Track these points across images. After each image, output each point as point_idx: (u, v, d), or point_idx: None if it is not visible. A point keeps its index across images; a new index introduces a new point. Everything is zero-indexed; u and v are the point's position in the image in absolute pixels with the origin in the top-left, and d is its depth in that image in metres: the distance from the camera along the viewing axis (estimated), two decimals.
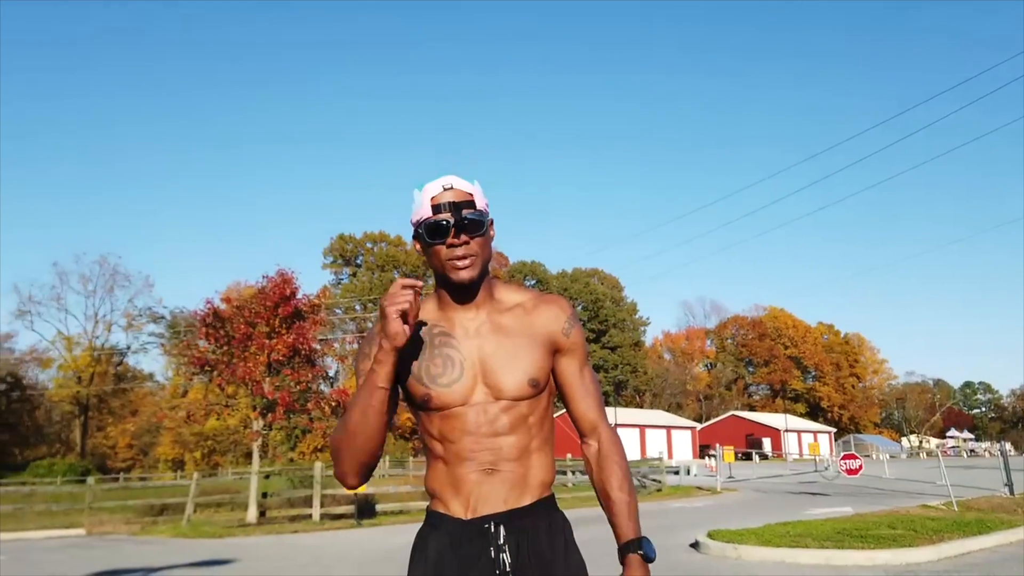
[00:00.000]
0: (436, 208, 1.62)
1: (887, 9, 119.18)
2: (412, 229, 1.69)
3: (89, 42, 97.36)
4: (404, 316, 1.52)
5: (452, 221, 1.61)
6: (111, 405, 59.95)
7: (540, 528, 1.63)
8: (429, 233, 1.63)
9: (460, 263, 1.62)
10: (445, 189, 1.64)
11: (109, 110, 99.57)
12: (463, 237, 1.61)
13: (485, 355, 1.66)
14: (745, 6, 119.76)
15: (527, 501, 1.64)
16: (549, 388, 1.72)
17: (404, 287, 1.52)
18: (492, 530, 1.60)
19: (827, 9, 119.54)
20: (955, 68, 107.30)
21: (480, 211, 1.65)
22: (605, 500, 1.70)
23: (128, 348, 62.33)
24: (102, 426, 59.57)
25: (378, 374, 1.55)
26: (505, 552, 1.59)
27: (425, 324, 1.70)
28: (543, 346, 1.70)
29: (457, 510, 1.64)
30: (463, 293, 1.68)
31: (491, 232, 1.71)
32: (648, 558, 1.62)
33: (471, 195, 1.65)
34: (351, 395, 1.71)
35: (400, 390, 1.70)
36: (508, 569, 1.58)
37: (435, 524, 1.67)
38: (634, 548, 1.62)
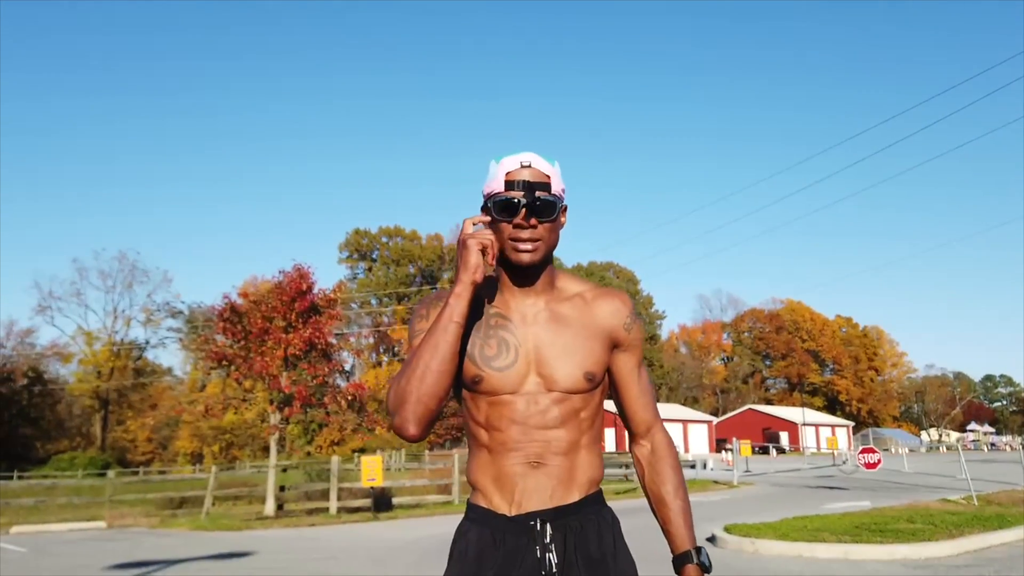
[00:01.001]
0: (509, 184, 1.54)
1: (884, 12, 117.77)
2: (481, 199, 1.63)
3: (104, 37, 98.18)
4: (484, 251, 1.50)
5: (524, 201, 1.53)
6: (130, 399, 60.61)
7: (588, 526, 1.56)
8: (498, 209, 1.55)
9: (523, 245, 1.55)
10: (523, 166, 1.56)
11: (128, 107, 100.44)
12: (532, 220, 1.54)
13: (541, 343, 1.59)
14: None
15: (575, 497, 1.57)
16: (603, 384, 1.66)
17: (476, 223, 1.51)
18: (538, 528, 1.53)
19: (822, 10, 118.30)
20: (976, 58, 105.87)
21: (555, 195, 1.56)
22: (659, 506, 1.64)
23: (147, 343, 63.02)
24: (122, 420, 60.24)
25: (453, 308, 1.49)
26: (551, 552, 1.51)
27: (484, 301, 1.64)
28: (601, 340, 1.63)
29: (500, 505, 1.56)
30: (522, 276, 1.61)
31: (562, 219, 1.63)
32: (706, 568, 1.57)
33: (548, 177, 1.57)
34: (413, 347, 1.61)
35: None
36: (554, 570, 1.51)
37: (476, 519, 1.59)
38: (692, 558, 1.56)
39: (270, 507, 16.82)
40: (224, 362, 17.99)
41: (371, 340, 72.05)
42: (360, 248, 77.30)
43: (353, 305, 68.59)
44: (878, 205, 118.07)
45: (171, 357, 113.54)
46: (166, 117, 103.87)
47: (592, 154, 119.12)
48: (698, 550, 1.57)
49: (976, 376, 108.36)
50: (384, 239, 76.97)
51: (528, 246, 1.55)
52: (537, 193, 1.53)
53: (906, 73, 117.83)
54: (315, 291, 18.40)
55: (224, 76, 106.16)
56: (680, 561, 1.58)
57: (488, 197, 1.59)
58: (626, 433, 1.74)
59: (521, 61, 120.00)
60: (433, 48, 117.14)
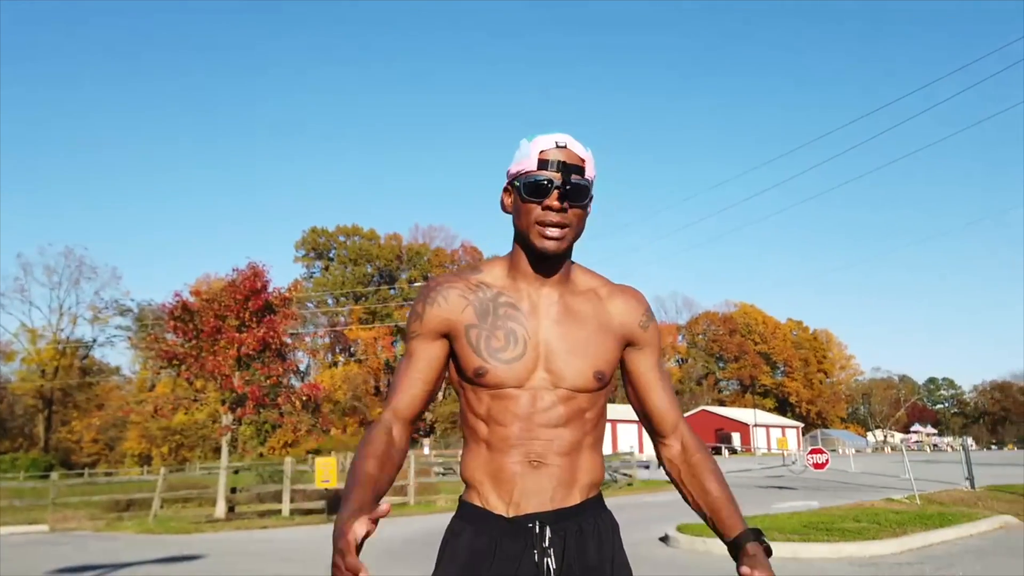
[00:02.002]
0: (543, 164, 1.46)
1: (852, 14, 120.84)
2: (506, 178, 1.54)
3: (50, 27, 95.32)
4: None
5: (558, 182, 1.45)
6: (76, 399, 58.95)
7: (588, 530, 1.50)
8: (528, 190, 1.46)
9: (550, 231, 1.46)
10: (558, 146, 1.47)
11: (77, 98, 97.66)
12: (564, 203, 1.46)
13: (552, 337, 1.51)
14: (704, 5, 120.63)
15: (575, 500, 1.50)
16: (609, 385, 1.59)
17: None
18: (537, 530, 1.45)
19: (789, 13, 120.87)
20: (923, 67, 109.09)
21: (588, 180, 1.49)
22: (704, 498, 1.55)
23: (94, 341, 61.40)
24: (66, 420, 58.54)
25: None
26: (550, 556, 1.44)
27: (490, 290, 1.56)
28: (615, 338, 1.57)
29: (497, 505, 1.49)
30: (542, 264, 1.53)
31: (589, 208, 1.55)
32: (770, 550, 1.46)
33: (583, 161, 1.49)
34: (409, 351, 1.57)
35: (449, 370, 1.58)
36: (552, 575, 1.44)
37: (470, 519, 1.51)
38: (755, 536, 1.46)
39: (221, 509, 16.53)
40: (175, 361, 17.64)
41: (327, 340, 71.29)
42: (317, 247, 76.39)
43: (309, 304, 67.78)
44: (829, 212, 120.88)
45: (119, 356, 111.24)
46: (116, 110, 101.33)
47: None
48: (758, 531, 1.48)
49: (920, 379, 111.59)
50: (341, 238, 76.20)
51: (556, 232, 1.47)
52: (572, 176, 1.46)
53: (852, 84, 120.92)
54: (270, 290, 18.16)
55: (179, 70, 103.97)
56: (742, 540, 1.46)
57: (516, 176, 1.50)
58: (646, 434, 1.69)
59: (478, 58, 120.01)
60: (391, 43, 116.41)
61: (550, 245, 1.47)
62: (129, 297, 67.75)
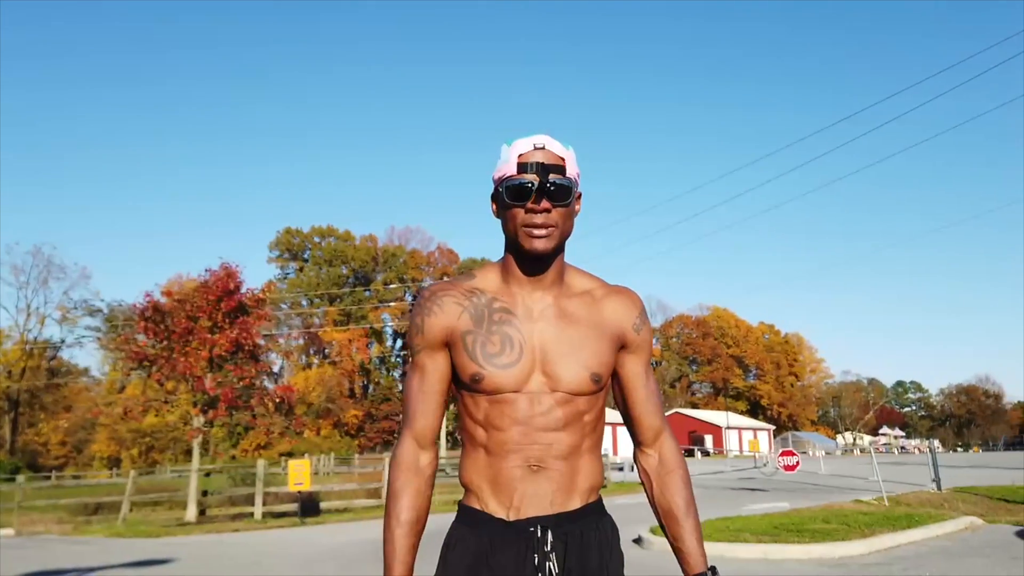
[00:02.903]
0: (522, 167, 1.46)
1: (825, 20, 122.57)
2: (492, 185, 1.55)
3: (17, 26, 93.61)
4: None
5: (537, 184, 1.45)
6: (43, 401, 57.81)
7: (589, 534, 1.50)
8: (510, 194, 1.47)
9: (537, 231, 1.46)
10: (536, 148, 1.48)
11: (45, 98, 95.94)
12: (545, 203, 1.46)
13: (547, 341, 1.51)
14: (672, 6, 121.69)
15: (575, 504, 1.50)
16: (606, 388, 1.58)
17: None
18: (539, 534, 1.45)
19: (769, 15, 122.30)
20: (888, 74, 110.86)
21: (569, 179, 1.48)
22: (670, 521, 1.55)
23: (62, 342, 60.24)
24: (33, 422, 57.42)
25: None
26: (552, 560, 1.44)
27: (485, 296, 1.55)
28: (610, 340, 1.56)
29: (497, 509, 1.49)
30: (533, 266, 1.52)
31: (577, 206, 1.55)
32: None
33: (563, 160, 1.49)
34: (414, 363, 1.59)
35: (452, 376, 1.57)
36: None
37: (471, 523, 1.51)
38: None
39: (192, 513, 16.34)
40: (145, 363, 17.44)
41: (301, 341, 70.72)
42: (291, 247, 75.73)
43: (283, 306, 67.17)
44: (800, 217, 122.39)
45: (88, 357, 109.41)
46: (86, 108, 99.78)
47: None
48: (713, 570, 1.49)
49: (888, 382, 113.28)
50: (316, 239, 75.63)
51: (541, 232, 1.46)
52: (551, 176, 1.46)
53: (822, 90, 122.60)
54: (243, 290, 18.02)
55: (150, 69, 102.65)
56: None
57: (499, 181, 1.51)
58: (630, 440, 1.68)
59: (448, 58, 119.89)
60: (366, 45, 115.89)
61: (538, 245, 1.47)
62: (99, 297, 66.68)
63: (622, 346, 1.59)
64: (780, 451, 19.62)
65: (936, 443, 20.55)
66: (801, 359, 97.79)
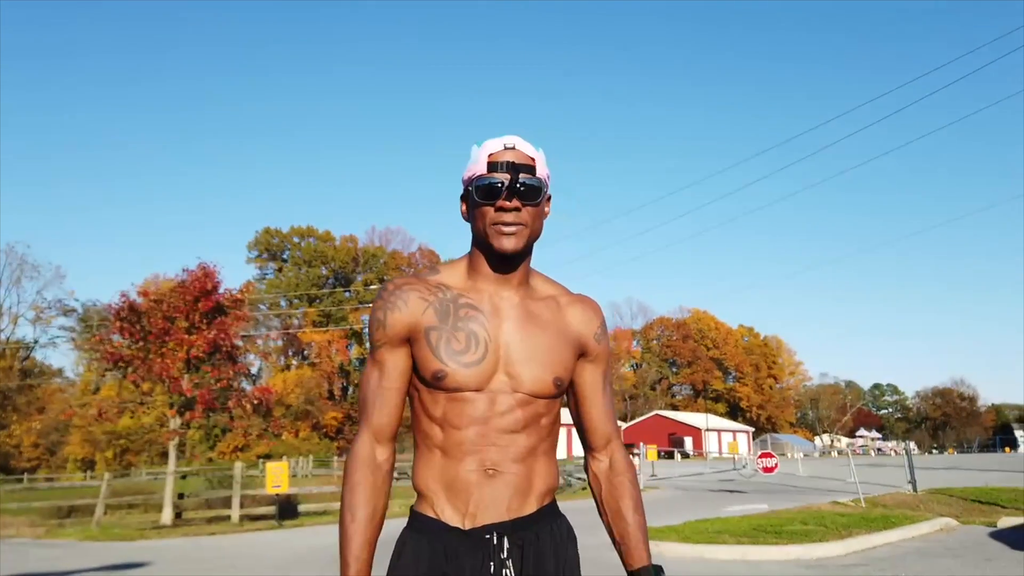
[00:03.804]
0: (492, 166, 1.47)
1: (809, 25, 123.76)
2: (462, 186, 1.55)
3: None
4: None
5: (507, 183, 1.46)
6: (16, 402, 56.89)
7: (545, 538, 1.50)
8: (481, 193, 1.48)
9: (506, 229, 1.47)
10: (506, 148, 1.49)
11: (22, 97, 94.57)
12: (515, 202, 1.46)
13: (512, 341, 1.51)
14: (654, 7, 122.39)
15: (531, 508, 1.50)
16: (564, 393, 1.60)
17: None
18: (495, 542, 1.44)
19: (755, 17, 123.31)
20: (877, 76, 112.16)
21: (539, 179, 1.50)
22: (616, 521, 1.58)
23: (36, 342, 59.42)
24: (5, 424, 56.45)
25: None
26: (508, 568, 1.44)
27: (450, 292, 1.54)
28: (572, 346, 1.57)
29: (452, 517, 1.47)
30: (501, 265, 1.53)
31: (547, 208, 1.57)
32: None
33: (532, 160, 1.50)
34: (373, 358, 1.55)
35: (414, 372, 1.54)
36: None
37: (424, 530, 1.48)
38: (655, 573, 1.52)
39: (167, 515, 16.13)
40: (121, 363, 17.20)
41: (280, 343, 70.17)
42: (270, 248, 75.11)
43: (262, 306, 66.62)
44: (780, 220, 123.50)
45: (62, 358, 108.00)
46: (60, 106, 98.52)
47: None
48: (658, 568, 1.51)
49: (865, 385, 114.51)
50: (296, 239, 75.03)
51: (511, 229, 1.47)
52: (521, 175, 1.47)
53: (807, 92, 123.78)
54: (221, 291, 17.82)
55: (127, 68, 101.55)
56: (641, 574, 1.53)
57: (469, 181, 1.52)
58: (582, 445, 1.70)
59: (428, 61, 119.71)
60: (348, 45, 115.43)
61: (508, 243, 1.47)
62: (73, 297, 65.98)
63: (582, 354, 1.60)
64: (759, 453, 19.74)
65: (912, 445, 20.80)
66: (780, 362, 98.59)
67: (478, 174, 1.49)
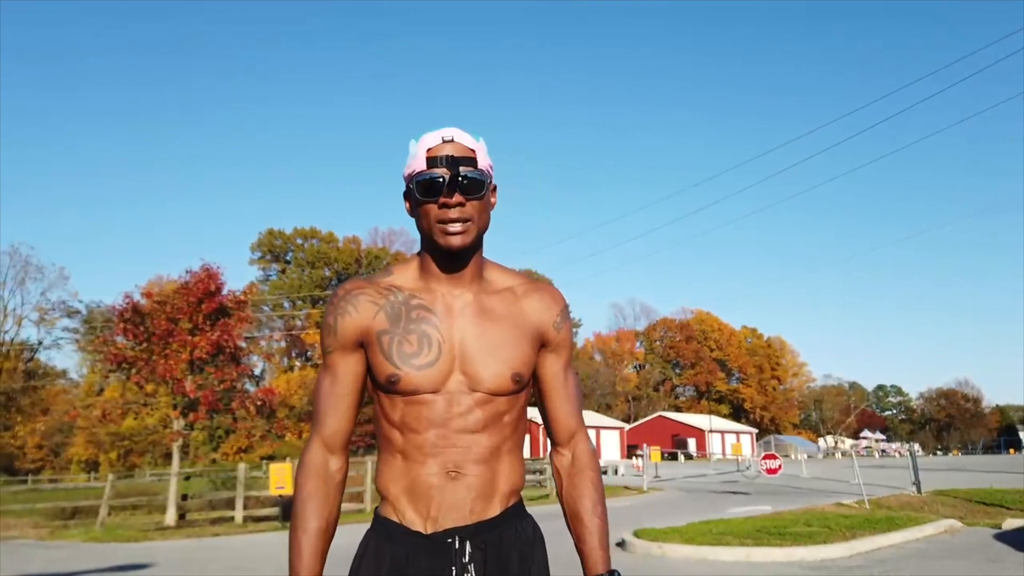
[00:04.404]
0: (432, 161, 1.42)
1: (807, 27, 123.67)
2: (403, 183, 1.50)
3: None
4: None
5: (448, 178, 1.41)
6: (20, 403, 57.02)
7: (508, 540, 1.46)
8: (421, 190, 1.42)
9: (452, 227, 1.41)
10: (445, 141, 1.44)
11: (26, 98, 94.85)
12: (458, 197, 1.41)
13: (467, 339, 1.46)
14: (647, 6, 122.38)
15: (495, 510, 1.46)
16: (528, 387, 1.55)
17: None
18: (456, 546, 1.42)
19: (752, 21, 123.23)
20: (879, 78, 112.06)
21: (481, 171, 1.44)
22: (575, 521, 1.52)
23: (40, 343, 59.50)
24: (9, 425, 56.61)
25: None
26: (470, 572, 1.41)
27: (402, 293, 1.50)
28: (530, 338, 1.51)
29: (414, 520, 1.44)
30: (451, 262, 1.48)
31: (492, 199, 1.52)
32: None
33: (473, 151, 1.45)
34: (325, 364, 1.53)
35: (368, 377, 1.52)
36: None
37: (386, 534, 1.46)
38: None
39: (171, 516, 16.16)
40: (124, 365, 17.25)
41: (283, 344, 70.26)
42: (273, 249, 75.26)
43: (265, 307, 66.75)
44: (784, 221, 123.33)
45: (66, 359, 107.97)
46: (64, 107, 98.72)
47: (510, 162, 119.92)
48: (612, 573, 1.45)
49: (869, 386, 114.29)
50: (299, 240, 75.19)
51: (457, 227, 1.42)
52: (462, 168, 1.42)
53: (810, 93, 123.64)
54: (224, 292, 17.87)
55: (128, 69, 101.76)
56: None
57: (409, 178, 1.46)
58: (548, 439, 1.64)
59: (432, 63, 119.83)
60: (349, 45, 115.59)
61: (454, 241, 1.43)
62: (77, 298, 65.86)
63: (543, 344, 1.55)
64: (762, 454, 19.71)
65: (916, 446, 20.70)
66: (783, 363, 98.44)
67: (417, 170, 1.44)
